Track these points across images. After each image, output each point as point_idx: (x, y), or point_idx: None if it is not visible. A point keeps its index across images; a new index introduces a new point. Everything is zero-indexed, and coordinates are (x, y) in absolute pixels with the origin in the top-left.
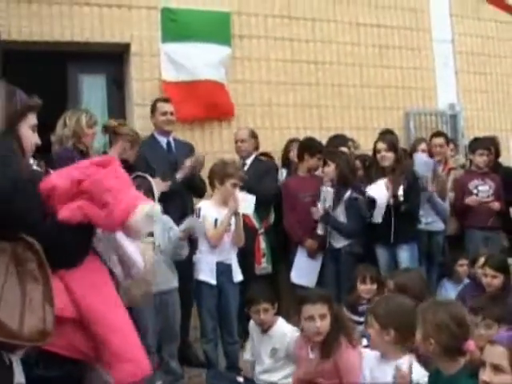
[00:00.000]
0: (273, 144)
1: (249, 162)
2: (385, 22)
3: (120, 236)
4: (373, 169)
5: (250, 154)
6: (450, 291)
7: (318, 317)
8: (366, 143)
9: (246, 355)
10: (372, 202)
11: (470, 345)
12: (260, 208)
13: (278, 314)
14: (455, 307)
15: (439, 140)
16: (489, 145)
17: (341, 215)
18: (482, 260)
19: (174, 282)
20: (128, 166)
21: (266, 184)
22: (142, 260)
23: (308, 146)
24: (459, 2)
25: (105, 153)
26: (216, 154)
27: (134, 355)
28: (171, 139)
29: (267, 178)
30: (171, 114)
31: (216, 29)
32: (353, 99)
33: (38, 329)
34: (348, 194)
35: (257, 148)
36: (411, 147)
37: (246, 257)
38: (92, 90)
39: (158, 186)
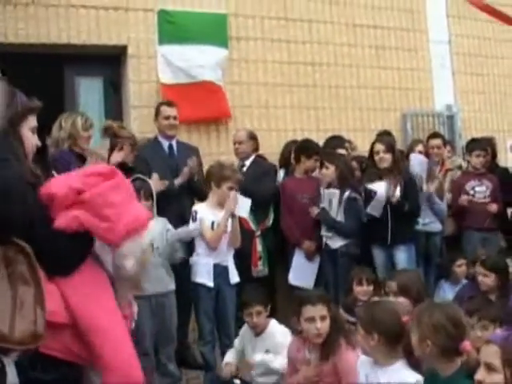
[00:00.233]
0: (270, 146)
1: (248, 163)
2: (381, 23)
3: None
4: (369, 170)
5: (249, 155)
6: (447, 292)
7: (319, 318)
8: (363, 144)
9: (228, 357)
10: (371, 195)
11: (467, 345)
12: (258, 210)
13: (274, 316)
14: (451, 308)
15: (436, 141)
16: (485, 146)
17: (339, 215)
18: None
19: (171, 285)
20: (127, 169)
21: (264, 186)
22: (133, 263)
23: (305, 148)
24: (456, 3)
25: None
26: (213, 155)
27: (125, 367)
28: (174, 142)
29: (265, 180)
30: (174, 118)
31: (213, 31)
32: (350, 100)
33: (30, 332)
34: (347, 194)
35: (256, 149)
36: (408, 148)
37: (243, 259)
38: (89, 92)
39: (156, 184)
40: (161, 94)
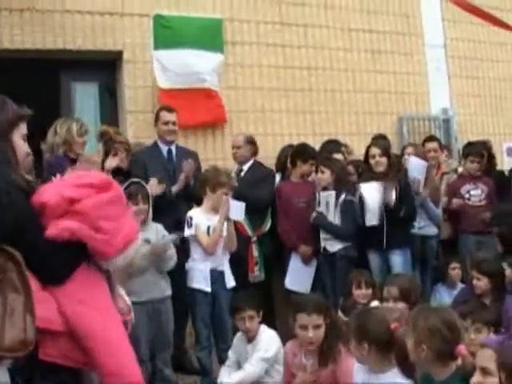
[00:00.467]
0: (266, 150)
1: (246, 167)
2: (377, 28)
3: None
4: (365, 174)
5: (248, 159)
6: (444, 296)
7: (312, 327)
8: (359, 148)
9: (224, 376)
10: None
11: (462, 349)
12: (254, 215)
13: (273, 321)
14: (446, 312)
15: (432, 144)
16: (480, 151)
17: (336, 218)
18: None
19: (167, 291)
20: (122, 173)
21: (261, 191)
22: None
23: (301, 152)
24: (451, 7)
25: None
26: (210, 161)
27: (123, 371)
28: (173, 147)
29: (263, 185)
30: (173, 123)
31: (208, 35)
32: (346, 104)
33: (19, 339)
34: (343, 196)
35: (255, 154)
36: (401, 152)
37: (240, 265)
38: (84, 97)
39: (154, 188)
40: (158, 99)
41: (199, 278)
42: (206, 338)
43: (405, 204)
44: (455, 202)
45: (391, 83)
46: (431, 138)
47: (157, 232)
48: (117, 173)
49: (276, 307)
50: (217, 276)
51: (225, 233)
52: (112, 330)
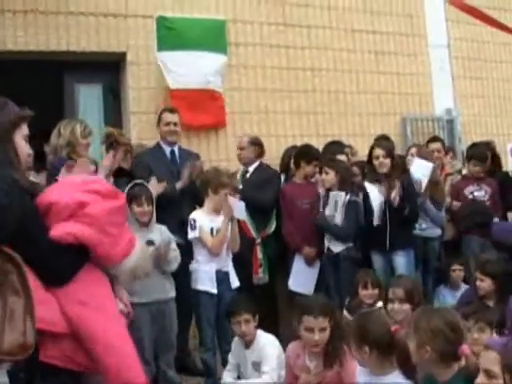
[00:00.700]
0: (269, 151)
1: (251, 169)
2: (380, 28)
3: None
4: (369, 175)
5: (253, 161)
6: (447, 298)
7: (318, 330)
8: (363, 149)
9: (227, 377)
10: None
11: (465, 349)
12: (259, 217)
13: (276, 323)
14: (448, 313)
15: (436, 145)
16: (484, 152)
17: (338, 218)
18: None
19: (171, 292)
20: (126, 175)
21: (266, 192)
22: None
23: (304, 153)
24: (455, 7)
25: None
26: (213, 162)
27: (129, 370)
28: (176, 148)
29: (267, 187)
30: (175, 124)
31: (212, 37)
32: (349, 106)
33: (18, 343)
34: (347, 197)
35: (260, 155)
36: (405, 153)
37: (244, 267)
38: (88, 99)
39: (155, 187)
40: (166, 100)
41: (205, 280)
42: (211, 339)
43: (408, 203)
44: (454, 204)
45: (395, 84)
46: (435, 139)
47: (161, 233)
48: (120, 174)
49: (280, 309)
50: (222, 277)
51: (228, 233)
52: (114, 331)
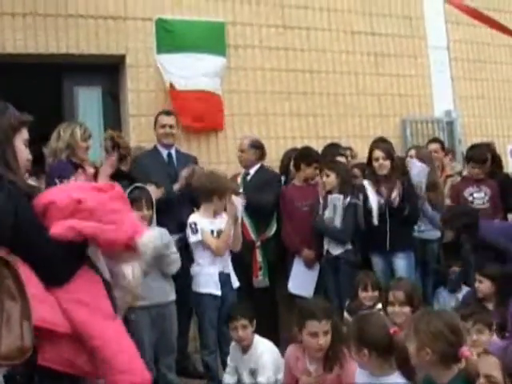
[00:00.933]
0: (269, 154)
1: (252, 172)
2: (380, 30)
3: None
4: (368, 177)
5: (253, 163)
6: (447, 300)
7: (322, 333)
8: (362, 151)
9: (228, 379)
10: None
11: (465, 351)
12: (259, 220)
13: (276, 326)
14: (448, 315)
15: (434, 146)
16: (484, 153)
17: (338, 221)
18: None
19: (172, 295)
20: (123, 175)
21: (266, 195)
22: (131, 272)
23: (304, 156)
24: (454, 9)
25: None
26: (212, 165)
27: (131, 366)
28: (173, 151)
29: (268, 189)
30: (170, 127)
31: (211, 39)
32: (349, 107)
33: (16, 346)
34: (347, 199)
35: (261, 158)
36: (405, 155)
37: (244, 270)
38: (87, 102)
39: (153, 193)
40: (167, 101)
41: (209, 283)
42: (214, 342)
43: (408, 203)
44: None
45: (394, 86)
46: (434, 140)
47: (162, 236)
48: (120, 177)
49: (280, 312)
50: (224, 279)
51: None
52: (112, 329)
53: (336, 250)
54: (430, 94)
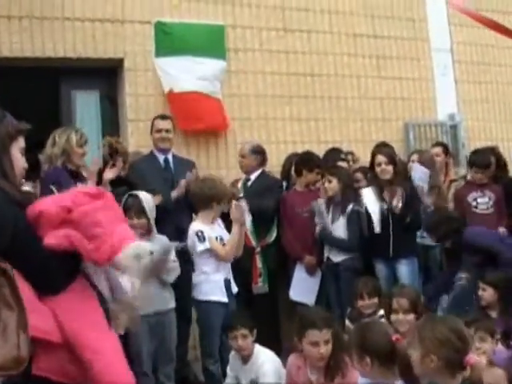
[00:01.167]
0: (269, 158)
1: (253, 177)
2: (382, 33)
3: None
4: (370, 181)
5: (254, 169)
6: None
7: (323, 342)
8: (365, 156)
9: None
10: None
11: (471, 358)
12: (259, 225)
13: (278, 334)
14: (453, 321)
15: (436, 149)
16: (487, 158)
17: (341, 228)
18: None
19: (171, 303)
20: (120, 181)
21: (266, 201)
22: (130, 285)
23: (306, 161)
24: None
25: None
26: (212, 169)
27: (119, 380)
28: (169, 156)
29: (268, 195)
30: (166, 131)
31: (210, 42)
32: (351, 111)
33: (12, 356)
34: (350, 207)
35: (262, 164)
36: (407, 159)
37: (243, 276)
38: (85, 106)
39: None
40: (166, 106)
41: (216, 290)
42: (218, 350)
43: (411, 210)
44: None
45: (397, 89)
46: (437, 144)
47: (162, 244)
48: (118, 183)
49: (281, 320)
50: (227, 285)
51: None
52: (104, 340)
53: (337, 257)
54: (434, 97)
